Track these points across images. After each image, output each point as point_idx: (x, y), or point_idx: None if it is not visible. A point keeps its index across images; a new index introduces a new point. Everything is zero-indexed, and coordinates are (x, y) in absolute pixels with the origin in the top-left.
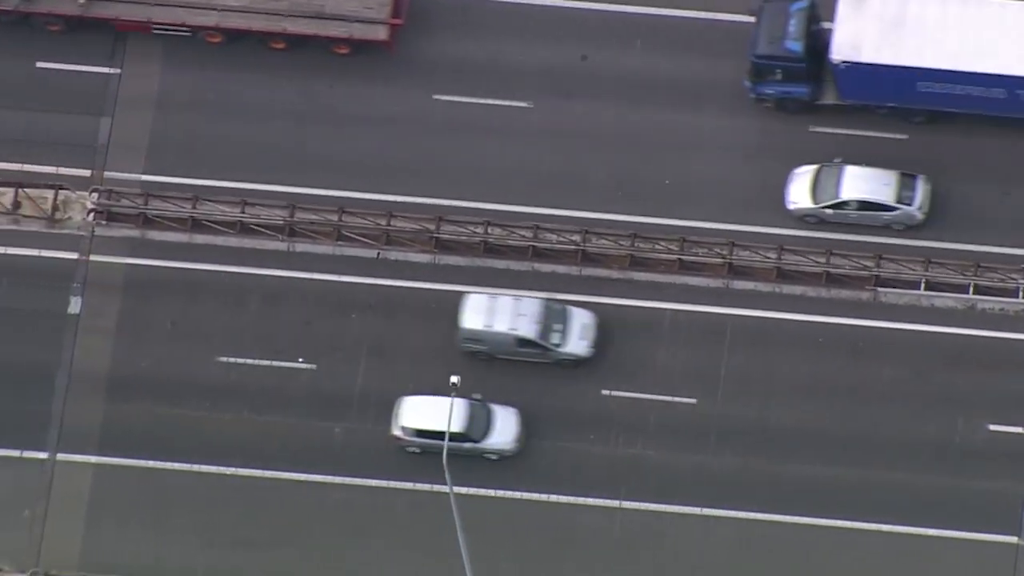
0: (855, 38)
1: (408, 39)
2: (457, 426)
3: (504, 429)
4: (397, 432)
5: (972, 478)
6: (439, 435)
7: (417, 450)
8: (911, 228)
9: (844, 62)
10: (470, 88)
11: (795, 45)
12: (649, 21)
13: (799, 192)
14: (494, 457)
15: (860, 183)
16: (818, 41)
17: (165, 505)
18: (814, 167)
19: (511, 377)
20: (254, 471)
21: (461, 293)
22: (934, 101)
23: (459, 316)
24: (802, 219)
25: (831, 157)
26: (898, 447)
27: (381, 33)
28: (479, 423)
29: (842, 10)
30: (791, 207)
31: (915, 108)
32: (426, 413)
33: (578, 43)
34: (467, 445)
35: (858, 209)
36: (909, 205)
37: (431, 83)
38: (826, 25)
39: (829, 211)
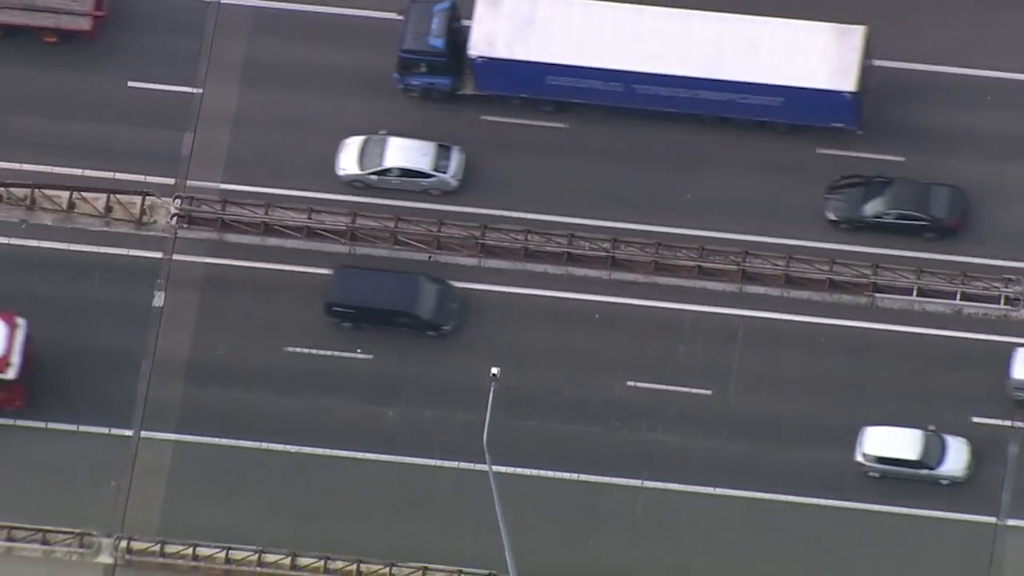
0: (490, 35)
1: (110, 30)
2: (915, 454)
3: (955, 458)
4: (859, 459)
5: None
6: (899, 462)
7: (876, 475)
8: (447, 193)
9: (480, 57)
10: (164, 76)
11: (437, 41)
12: (309, 17)
13: (348, 160)
14: (945, 483)
15: (401, 152)
16: (458, 38)
17: (236, 479)
18: (362, 138)
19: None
20: (315, 449)
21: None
22: (561, 93)
23: None
24: (350, 184)
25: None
26: None
27: (85, 24)
28: (934, 451)
29: (479, 10)
30: (340, 173)
31: (544, 99)
32: (888, 441)
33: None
34: (923, 472)
35: (400, 176)
36: (444, 173)
37: (127, 70)
38: (466, 23)
39: (374, 177)
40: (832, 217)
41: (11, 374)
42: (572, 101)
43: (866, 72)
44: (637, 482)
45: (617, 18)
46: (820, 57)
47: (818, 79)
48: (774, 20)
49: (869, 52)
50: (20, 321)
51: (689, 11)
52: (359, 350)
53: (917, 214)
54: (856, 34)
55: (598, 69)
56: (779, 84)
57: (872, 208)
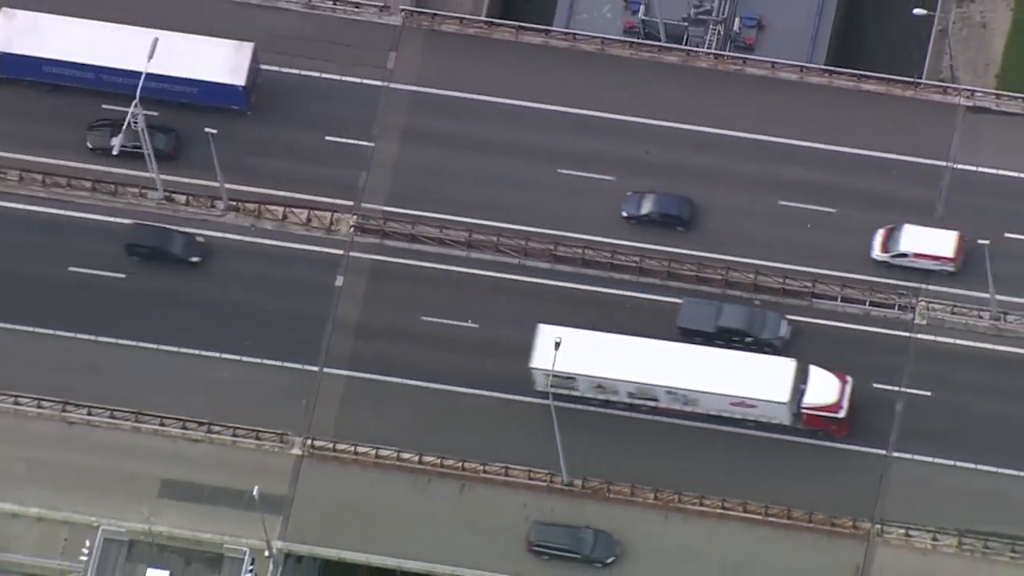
0: (8, 38)
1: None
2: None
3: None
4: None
5: None
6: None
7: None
8: None
9: (3, 52)
10: (350, 133)
11: None
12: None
13: None
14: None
15: None
16: None
17: (387, 404)
18: None
19: None
20: (437, 385)
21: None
22: (56, 78)
23: None
24: None
25: None
26: None
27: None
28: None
29: (1, 19)
30: None
31: (46, 82)
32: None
33: None
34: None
35: None
36: None
37: (325, 129)
38: None
39: None
40: (89, 146)
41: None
42: (64, 85)
43: (253, 73)
44: None
45: (92, 29)
46: (223, 61)
47: (221, 76)
48: (195, 36)
49: (256, 60)
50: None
51: (140, 28)
52: (469, 320)
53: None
54: (247, 48)
55: (80, 63)
56: (196, 78)
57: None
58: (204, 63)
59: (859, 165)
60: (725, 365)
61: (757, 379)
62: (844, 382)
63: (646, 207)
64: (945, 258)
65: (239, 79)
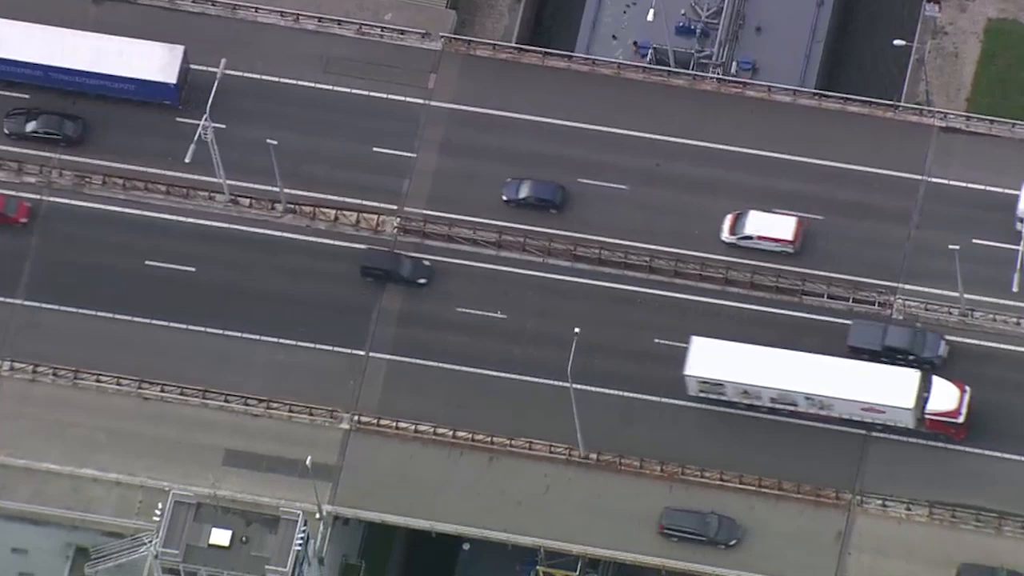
0: None
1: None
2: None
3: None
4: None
5: None
6: None
7: None
8: None
9: None
10: (393, 144)
11: None
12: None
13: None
14: None
15: None
16: None
17: (425, 385)
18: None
19: None
20: (465, 368)
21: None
22: (11, 76)
23: None
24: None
25: None
26: None
27: None
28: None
29: None
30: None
31: (3, 79)
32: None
33: None
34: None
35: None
36: None
37: (373, 141)
38: None
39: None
40: (6, 131)
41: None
42: (17, 81)
43: (184, 72)
44: None
45: (43, 33)
46: (157, 61)
47: (154, 74)
48: (130, 39)
49: (187, 60)
50: (967, 387)
51: (83, 32)
52: (498, 312)
53: (53, 132)
54: (179, 50)
55: (29, 63)
56: (133, 76)
57: (29, 127)
58: (140, 63)
59: (844, 177)
60: (858, 374)
61: (886, 387)
62: (963, 391)
63: (523, 191)
64: (785, 240)
65: (171, 77)
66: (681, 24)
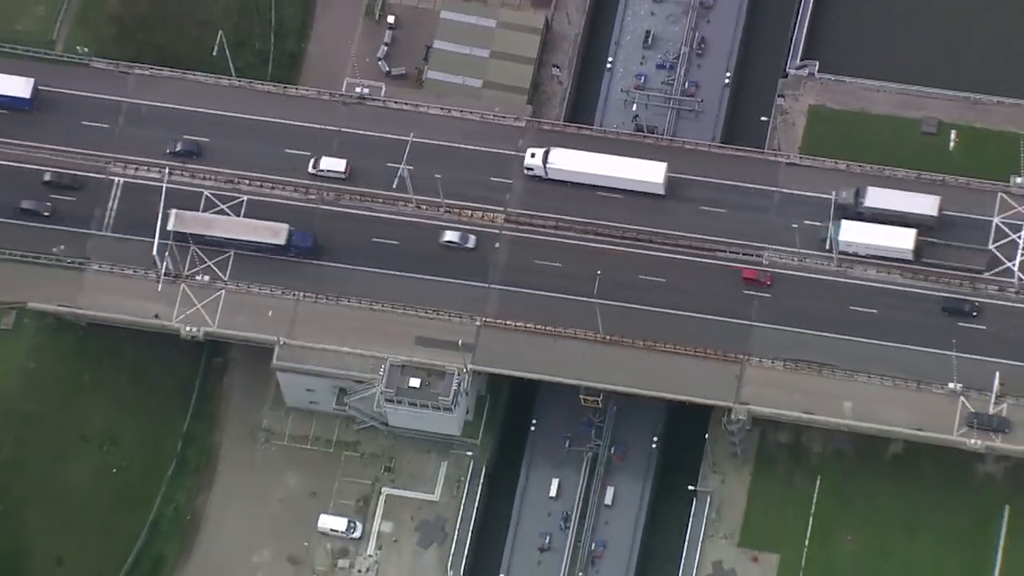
0: None
1: None
2: None
3: None
4: None
5: None
6: None
7: None
8: None
9: None
10: None
11: None
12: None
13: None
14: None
15: None
16: None
17: (526, 304)
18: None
19: None
20: (544, 292)
21: None
22: None
23: None
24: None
25: None
26: None
27: None
28: None
29: None
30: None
31: None
32: None
33: None
34: None
35: None
36: None
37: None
38: None
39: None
40: None
41: None
42: None
43: (35, 91)
44: None
45: None
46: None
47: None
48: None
49: (36, 88)
50: None
51: None
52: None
53: None
54: (31, 80)
55: None
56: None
57: None
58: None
59: (736, 188)
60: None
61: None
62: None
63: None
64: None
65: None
66: (639, 121)
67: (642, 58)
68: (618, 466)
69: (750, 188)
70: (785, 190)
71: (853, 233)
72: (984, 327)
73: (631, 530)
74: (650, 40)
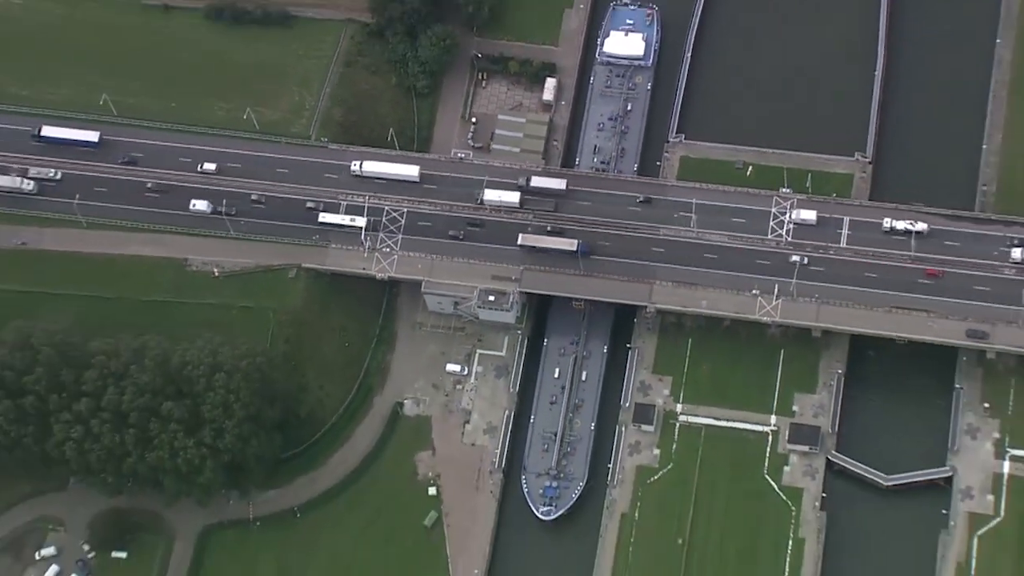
0: None
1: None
2: None
3: None
4: None
5: None
6: None
7: None
8: None
9: None
10: None
11: None
12: None
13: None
14: None
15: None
16: None
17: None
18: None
19: None
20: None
21: None
22: None
23: None
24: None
25: None
26: None
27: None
28: None
29: None
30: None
31: None
32: None
33: None
34: None
35: None
36: None
37: None
38: None
39: None
40: None
41: None
42: None
43: None
44: None
45: None
46: None
47: None
48: None
49: None
50: None
51: None
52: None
53: None
54: None
55: None
56: None
57: None
58: None
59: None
60: None
61: None
62: None
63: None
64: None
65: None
66: (601, 159)
67: (596, 136)
68: (590, 340)
69: (652, 197)
70: (669, 197)
71: None
72: (769, 263)
73: (597, 372)
74: (602, 129)
